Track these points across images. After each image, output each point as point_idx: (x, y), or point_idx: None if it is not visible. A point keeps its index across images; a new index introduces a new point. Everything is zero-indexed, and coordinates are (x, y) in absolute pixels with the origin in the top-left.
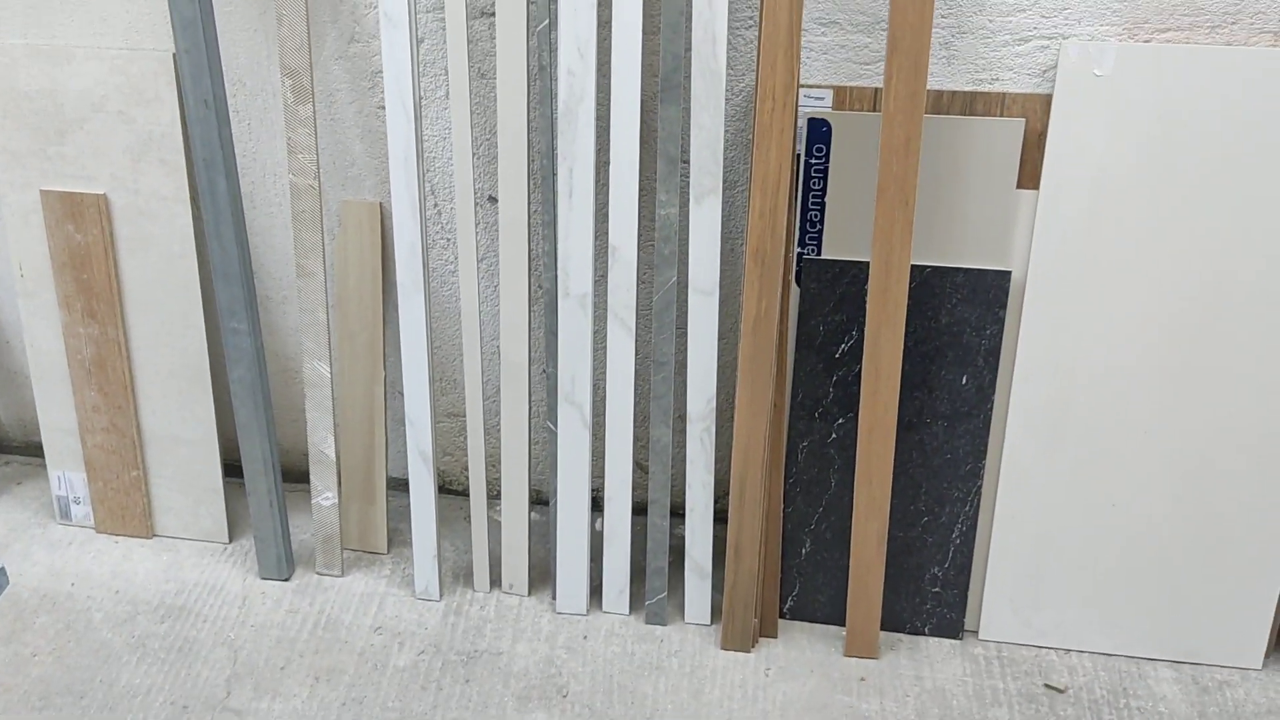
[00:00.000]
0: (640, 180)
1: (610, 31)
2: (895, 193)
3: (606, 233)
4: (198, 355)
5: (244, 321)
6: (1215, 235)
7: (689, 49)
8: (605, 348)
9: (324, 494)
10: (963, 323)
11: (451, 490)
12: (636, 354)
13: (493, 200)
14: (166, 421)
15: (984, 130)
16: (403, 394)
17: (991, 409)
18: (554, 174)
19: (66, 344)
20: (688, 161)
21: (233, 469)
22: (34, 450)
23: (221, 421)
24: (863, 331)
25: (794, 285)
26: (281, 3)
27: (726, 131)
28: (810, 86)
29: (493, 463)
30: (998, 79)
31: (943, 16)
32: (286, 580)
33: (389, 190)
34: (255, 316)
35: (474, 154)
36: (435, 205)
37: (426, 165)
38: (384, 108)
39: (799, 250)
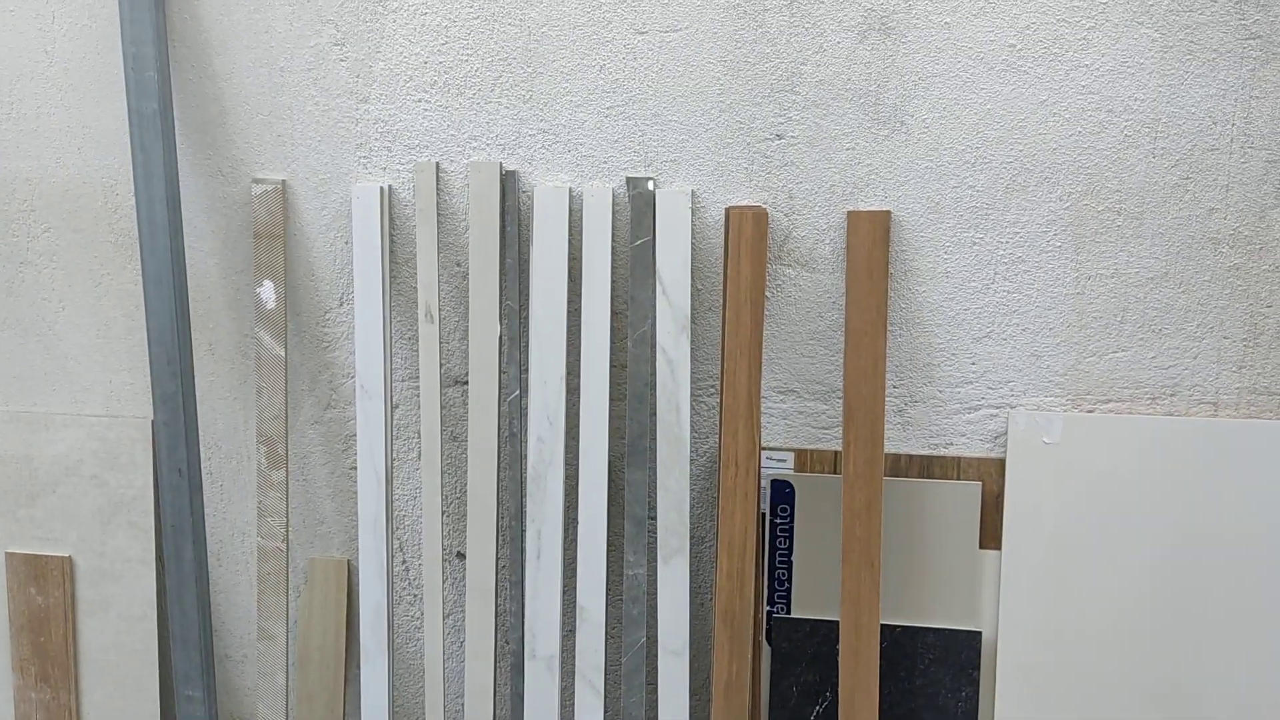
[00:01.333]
0: (608, 540)
1: (579, 399)
2: (860, 555)
3: (575, 591)
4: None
5: (199, 689)
6: (1172, 592)
7: (654, 416)
8: (573, 710)
9: None
10: (937, 684)
11: None
12: (605, 715)
13: (460, 556)
14: None
15: (943, 493)
16: None
17: None
18: (522, 534)
19: (16, 710)
20: (654, 519)
21: None
22: None
23: None
24: (837, 692)
25: (765, 644)
26: (262, 376)
27: (691, 490)
28: (772, 449)
29: None
30: (951, 444)
31: (894, 387)
32: None
33: (357, 548)
34: (211, 684)
35: (444, 512)
36: (404, 561)
37: (396, 523)
38: (356, 468)
39: (768, 609)
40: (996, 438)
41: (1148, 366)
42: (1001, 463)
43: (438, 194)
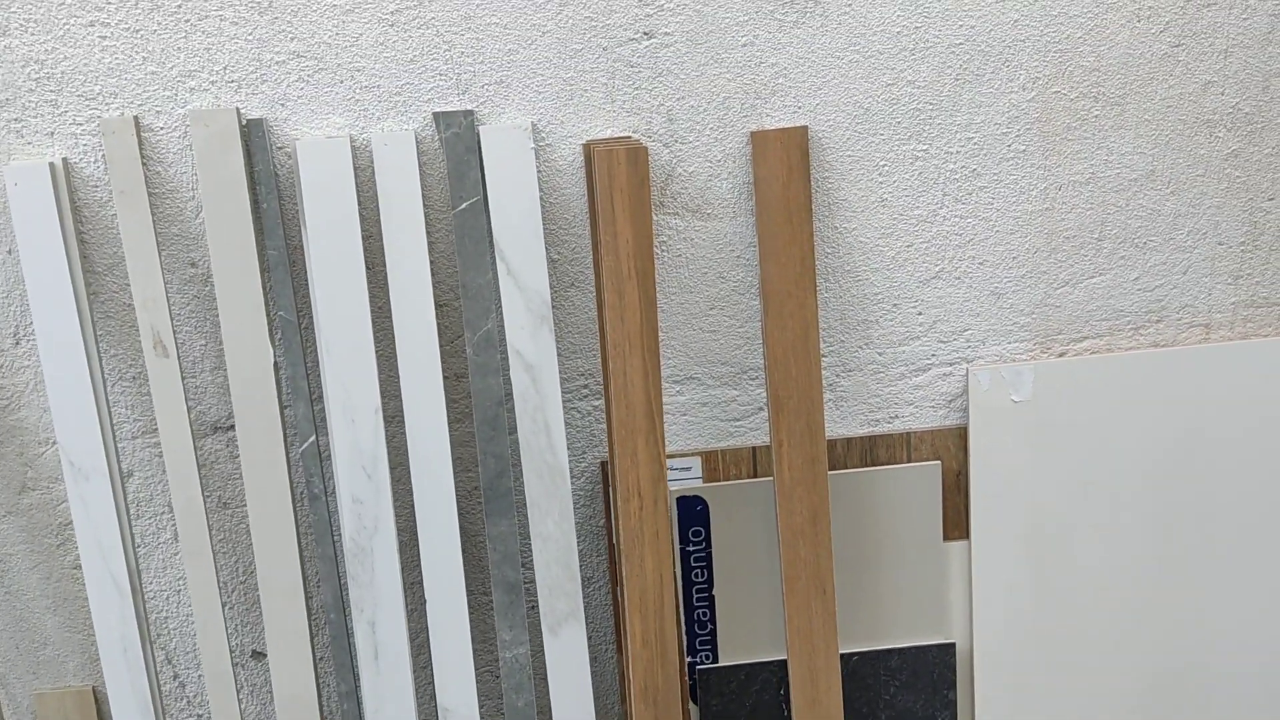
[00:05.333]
0: (471, 618)
1: (405, 435)
2: (809, 583)
3: (432, 693)
4: None
5: None
6: (1176, 561)
7: (515, 443)
8: None
9: None
10: (907, 715)
11: None
12: None
13: (258, 655)
14: None
15: (893, 481)
16: None
17: None
18: (348, 632)
19: None
20: (533, 583)
21: None
22: None
23: None
24: None
25: (690, 702)
26: None
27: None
28: (674, 456)
29: None
30: (897, 416)
31: (823, 356)
32: None
33: (102, 670)
34: None
35: (225, 605)
36: (175, 676)
37: (157, 628)
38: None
39: (690, 660)
40: (952, 401)
41: (1130, 290)
42: (962, 432)
43: (145, 165)
